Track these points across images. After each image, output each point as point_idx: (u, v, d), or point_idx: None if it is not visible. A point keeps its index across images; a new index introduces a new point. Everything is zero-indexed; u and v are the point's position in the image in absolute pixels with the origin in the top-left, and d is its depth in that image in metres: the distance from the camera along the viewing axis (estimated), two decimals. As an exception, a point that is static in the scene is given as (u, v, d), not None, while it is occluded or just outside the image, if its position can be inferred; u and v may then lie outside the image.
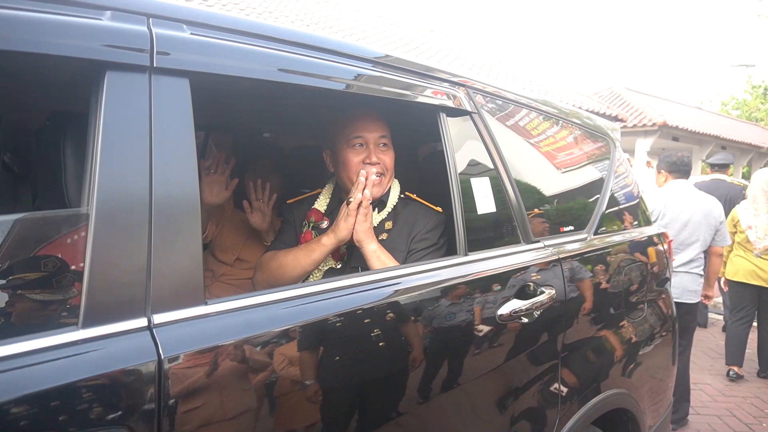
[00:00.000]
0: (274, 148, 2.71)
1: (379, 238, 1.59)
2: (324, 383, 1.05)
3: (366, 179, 1.44)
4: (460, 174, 1.47)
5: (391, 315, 1.19)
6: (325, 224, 1.65)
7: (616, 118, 12.83)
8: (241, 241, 2.25)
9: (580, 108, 3.31)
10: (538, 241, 1.66)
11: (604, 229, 1.99)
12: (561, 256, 1.66)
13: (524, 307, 1.45)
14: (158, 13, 0.99)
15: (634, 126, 13.16)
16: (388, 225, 1.62)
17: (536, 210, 1.72)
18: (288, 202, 1.79)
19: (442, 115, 1.47)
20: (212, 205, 1.98)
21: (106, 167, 0.86)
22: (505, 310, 1.40)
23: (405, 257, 1.55)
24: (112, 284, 0.84)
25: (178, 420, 0.84)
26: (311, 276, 1.58)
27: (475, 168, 1.54)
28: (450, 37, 16.36)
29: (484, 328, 1.37)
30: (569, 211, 1.90)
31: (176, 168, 0.94)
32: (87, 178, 0.87)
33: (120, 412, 0.78)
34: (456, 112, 1.52)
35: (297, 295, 1.06)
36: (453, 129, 1.50)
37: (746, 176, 18.67)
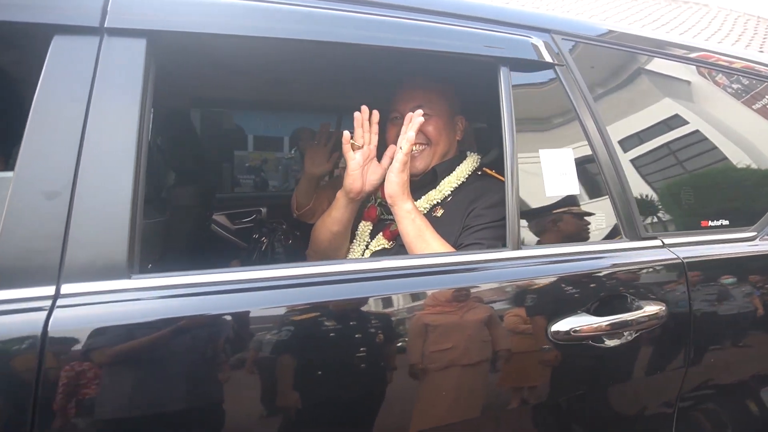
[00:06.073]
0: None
1: (433, 215, 1.37)
2: (260, 393, 0.90)
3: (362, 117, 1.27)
4: (523, 144, 1.14)
5: (377, 319, 0.96)
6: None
7: None
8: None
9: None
10: (654, 238, 1.20)
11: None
12: (688, 260, 1.18)
13: (599, 325, 1.05)
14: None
15: None
16: (439, 210, 1.38)
17: (657, 195, 1.26)
18: None
19: (504, 70, 1.15)
20: (314, 175, 1.97)
21: (33, 130, 0.85)
22: (563, 326, 1.04)
23: (458, 236, 1.29)
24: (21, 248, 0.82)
25: (56, 412, 0.77)
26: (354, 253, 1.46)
27: (550, 137, 1.18)
28: (710, 6, 13.72)
29: (526, 349, 1.04)
30: (722, 198, 1.35)
31: (112, 132, 0.88)
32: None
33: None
34: (528, 66, 1.17)
35: (249, 279, 0.92)
36: (520, 87, 1.16)
37: None
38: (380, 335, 0.95)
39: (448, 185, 1.42)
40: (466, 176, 1.44)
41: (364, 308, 0.95)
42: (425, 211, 1.41)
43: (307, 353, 0.91)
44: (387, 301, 0.97)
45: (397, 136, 1.37)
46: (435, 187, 1.43)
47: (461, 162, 1.47)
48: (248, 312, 0.89)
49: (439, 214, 1.39)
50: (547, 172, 1.14)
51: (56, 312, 0.80)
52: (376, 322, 0.96)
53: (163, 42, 0.96)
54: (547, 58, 1.18)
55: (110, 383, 0.81)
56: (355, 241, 1.48)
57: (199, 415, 0.87)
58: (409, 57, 1.24)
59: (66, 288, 0.82)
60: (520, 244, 1.09)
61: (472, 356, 1.00)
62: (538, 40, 1.18)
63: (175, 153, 1.93)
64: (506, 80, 1.15)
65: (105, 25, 0.90)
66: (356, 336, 0.94)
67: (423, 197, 1.43)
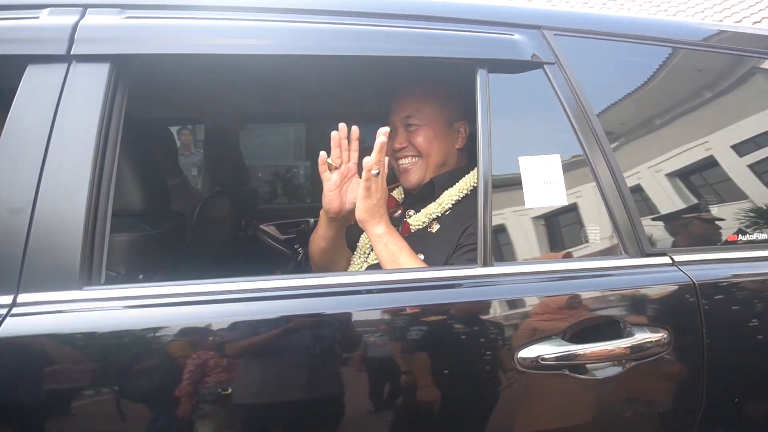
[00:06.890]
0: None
1: (428, 230, 1.30)
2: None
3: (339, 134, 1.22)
4: (498, 151, 1.05)
5: (330, 336, 0.93)
6: (398, 213, 1.47)
7: None
8: None
9: None
10: (663, 254, 1.05)
11: None
12: (702, 280, 1.01)
13: (574, 353, 0.93)
14: (95, 1, 1.02)
15: None
16: (435, 226, 1.31)
17: (668, 204, 1.09)
18: None
19: (481, 73, 1.06)
20: None
21: (2, 152, 0.93)
22: (531, 352, 0.93)
23: (450, 254, 1.22)
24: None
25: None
26: (354, 266, 1.43)
27: (534, 142, 1.08)
28: None
29: (490, 377, 0.94)
30: (759, 207, 1.14)
31: (71, 152, 0.94)
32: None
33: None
34: (510, 66, 1.08)
35: (198, 292, 0.93)
36: (501, 90, 1.07)
37: None
38: (323, 350, 0.93)
39: (448, 198, 1.34)
40: (470, 188, 1.34)
41: (298, 324, 0.93)
42: (423, 226, 1.34)
43: (243, 368, 0.91)
44: (336, 319, 0.94)
45: (391, 148, 1.34)
46: (435, 200, 1.36)
47: (467, 173, 1.38)
48: (192, 326, 0.91)
49: (434, 230, 1.32)
50: (527, 181, 1.04)
51: (8, 320, 0.86)
52: (326, 339, 0.93)
53: (131, 65, 1.01)
54: (533, 57, 1.08)
55: (50, 391, 0.86)
56: (356, 253, 1.46)
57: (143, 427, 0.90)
58: (379, 64, 1.19)
59: (22, 297, 0.89)
60: (491, 261, 1.00)
61: (426, 382, 0.94)
62: (521, 38, 1.08)
63: (215, 167, 2.03)
64: (483, 83, 1.06)
65: (72, 53, 0.97)
66: (314, 350, 0.92)
67: (422, 211, 1.36)
